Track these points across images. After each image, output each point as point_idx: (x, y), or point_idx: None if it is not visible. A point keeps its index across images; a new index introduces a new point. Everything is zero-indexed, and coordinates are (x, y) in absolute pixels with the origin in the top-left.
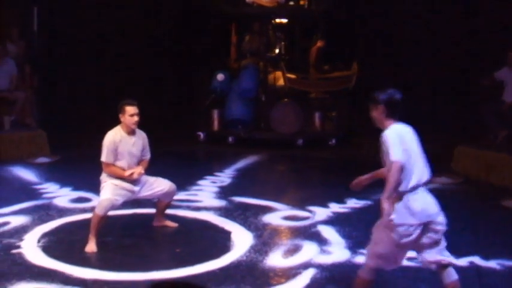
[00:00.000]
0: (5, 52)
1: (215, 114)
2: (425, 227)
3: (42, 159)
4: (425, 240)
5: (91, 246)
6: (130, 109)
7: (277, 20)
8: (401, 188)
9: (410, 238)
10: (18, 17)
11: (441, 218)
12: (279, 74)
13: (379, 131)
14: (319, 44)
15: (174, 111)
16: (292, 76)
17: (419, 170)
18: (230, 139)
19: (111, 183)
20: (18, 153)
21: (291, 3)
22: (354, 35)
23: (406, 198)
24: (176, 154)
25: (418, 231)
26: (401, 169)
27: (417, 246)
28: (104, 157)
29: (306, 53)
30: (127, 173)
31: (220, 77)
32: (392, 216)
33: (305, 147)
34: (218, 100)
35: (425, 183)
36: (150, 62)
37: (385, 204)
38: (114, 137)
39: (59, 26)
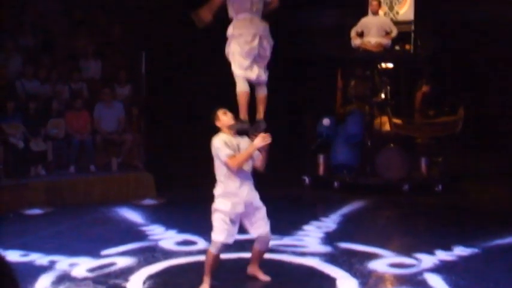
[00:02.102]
0: (113, 95)
1: (321, 159)
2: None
3: (149, 201)
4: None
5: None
6: (221, 110)
7: (383, 65)
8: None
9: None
10: (126, 61)
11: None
12: (384, 118)
13: (486, 177)
14: (425, 88)
15: (280, 155)
16: (398, 121)
17: None
18: (336, 184)
19: (221, 219)
20: (125, 194)
21: (397, 47)
22: (460, 80)
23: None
24: (281, 198)
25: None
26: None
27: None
28: (226, 154)
29: (411, 97)
30: (257, 141)
31: (326, 121)
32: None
33: (411, 193)
34: (324, 145)
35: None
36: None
37: None
38: (221, 137)
39: (166, 70)
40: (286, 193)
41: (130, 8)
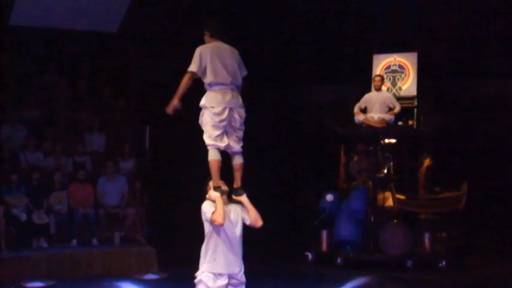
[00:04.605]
0: (117, 169)
1: (324, 234)
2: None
3: (151, 276)
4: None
5: None
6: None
7: (386, 140)
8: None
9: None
10: (130, 135)
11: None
12: (388, 194)
13: (491, 252)
14: (426, 163)
15: (282, 231)
16: (401, 197)
17: None
18: (339, 260)
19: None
20: (127, 269)
21: (400, 123)
22: (464, 155)
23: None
24: (284, 274)
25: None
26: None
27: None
28: (211, 211)
29: (414, 173)
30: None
31: (329, 197)
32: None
33: (414, 269)
34: (327, 220)
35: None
36: (260, 182)
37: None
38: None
39: (169, 144)
40: (289, 269)
41: (134, 82)
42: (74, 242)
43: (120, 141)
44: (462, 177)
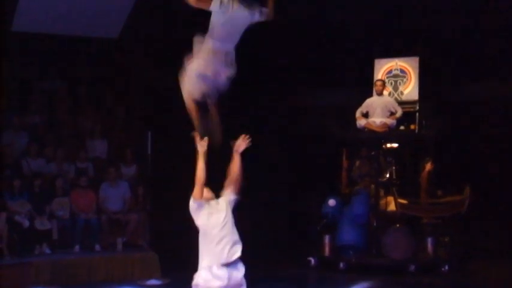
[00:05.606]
0: (119, 174)
1: (326, 239)
2: None
3: (153, 282)
4: None
5: None
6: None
7: (388, 145)
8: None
9: None
10: (132, 140)
11: None
12: (390, 199)
13: (494, 256)
14: (428, 167)
15: (285, 236)
16: (404, 201)
17: None
18: (341, 265)
19: None
20: (130, 274)
21: (402, 127)
22: (466, 159)
23: None
24: (287, 279)
25: None
26: None
27: None
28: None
29: (416, 177)
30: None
31: (331, 202)
32: None
33: (417, 273)
34: (329, 225)
35: None
36: (262, 186)
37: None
38: None
39: (171, 150)
40: (292, 274)
41: (136, 87)
42: (77, 248)
43: (122, 147)
44: (464, 181)
